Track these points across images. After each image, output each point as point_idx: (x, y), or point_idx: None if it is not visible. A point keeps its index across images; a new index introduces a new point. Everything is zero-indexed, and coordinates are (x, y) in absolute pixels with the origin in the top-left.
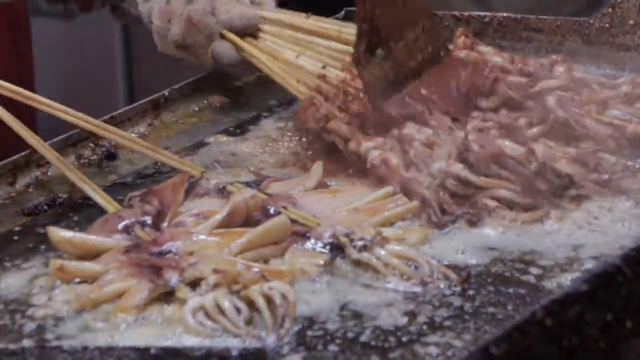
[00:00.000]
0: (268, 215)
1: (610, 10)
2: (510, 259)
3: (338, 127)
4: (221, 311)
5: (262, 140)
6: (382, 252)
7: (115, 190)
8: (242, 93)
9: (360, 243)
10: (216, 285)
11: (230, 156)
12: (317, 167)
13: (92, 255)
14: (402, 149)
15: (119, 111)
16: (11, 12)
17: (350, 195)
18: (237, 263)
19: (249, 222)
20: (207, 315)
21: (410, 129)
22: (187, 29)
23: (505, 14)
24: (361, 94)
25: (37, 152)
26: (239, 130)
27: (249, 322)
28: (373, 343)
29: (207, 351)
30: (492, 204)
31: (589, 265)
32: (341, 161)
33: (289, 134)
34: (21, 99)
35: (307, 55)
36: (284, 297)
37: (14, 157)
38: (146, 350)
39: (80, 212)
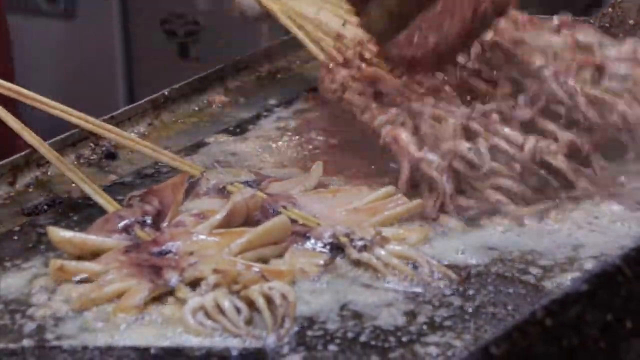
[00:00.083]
0: (268, 215)
1: (610, 10)
2: (511, 258)
3: (352, 97)
4: (221, 311)
5: (262, 140)
6: (382, 252)
7: (115, 190)
8: (241, 93)
9: (360, 243)
10: (216, 285)
11: (230, 156)
12: (317, 167)
13: (92, 255)
14: (414, 124)
15: (119, 111)
16: None
17: (350, 195)
18: (237, 263)
19: (249, 222)
20: (207, 315)
21: (418, 103)
22: None
23: None
24: (375, 59)
25: (37, 152)
26: (239, 130)
27: (249, 322)
28: (373, 343)
29: (207, 351)
30: (497, 197)
31: (589, 265)
32: (341, 161)
33: (289, 133)
34: (21, 99)
35: (328, 10)
36: (284, 297)
37: (14, 157)
38: (146, 350)
39: (80, 212)
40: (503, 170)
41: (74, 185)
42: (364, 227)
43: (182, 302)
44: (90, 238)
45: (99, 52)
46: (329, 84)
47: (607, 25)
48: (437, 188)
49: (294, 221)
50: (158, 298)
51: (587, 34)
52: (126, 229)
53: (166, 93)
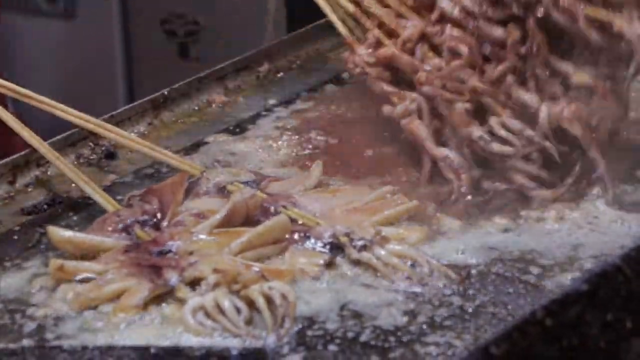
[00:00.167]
0: (268, 215)
1: None
2: (511, 258)
3: (373, 85)
4: (221, 311)
5: (261, 140)
6: (382, 252)
7: (115, 189)
8: (241, 92)
9: (360, 243)
10: (216, 285)
11: (229, 156)
12: (317, 167)
13: (92, 254)
14: (431, 106)
15: (119, 110)
16: None
17: (350, 194)
18: (237, 263)
19: (249, 221)
20: (207, 315)
21: (429, 86)
22: None
23: None
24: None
25: (37, 152)
26: (239, 129)
27: (249, 321)
28: (373, 343)
29: (207, 351)
30: (522, 180)
31: (589, 264)
32: (341, 160)
33: (289, 133)
34: (21, 98)
35: None
36: (284, 297)
37: (13, 157)
38: (146, 349)
39: (80, 211)
40: (518, 152)
41: (73, 185)
42: (364, 226)
43: (182, 301)
44: (90, 238)
45: (98, 52)
46: (353, 67)
47: None
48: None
49: (293, 221)
50: (158, 298)
51: None
52: (126, 229)
53: (166, 93)
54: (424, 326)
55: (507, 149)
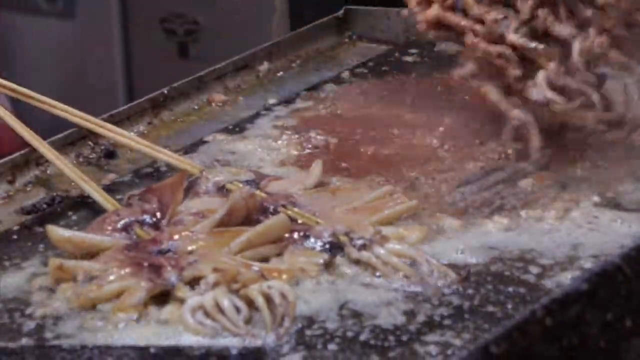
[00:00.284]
0: (267, 214)
1: None
2: (510, 258)
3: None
4: (220, 310)
5: (261, 139)
6: (382, 251)
7: (115, 189)
8: (241, 91)
9: (359, 242)
10: (215, 284)
11: (229, 155)
12: (317, 166)
13: (92, 254)
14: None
15: (118, 110)
16: None
17: (349, 194)
18: (236, 262)
19: (249, 221)
20: (207, 314)
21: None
22: None
23: None
24: None
25: (37, 151)
26: (238, 129)
27: (248, 321)
28: (372, 342)
29: (207, 350)
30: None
31: (589, 264)
32: (341, 160)
33: (289, 132)
34: (21, 97)
35: None
36: (283, 296)
37: (13, 156)
38: (145, 349)
39: (80, 210)
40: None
41: (73, 184)
42: (363, 226)
43: (181, 301)
44: (89, 237)
45: (98, 51)
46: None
47: None
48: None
49: (293, 220)
50: (157, 297)
51: None
52: (125, 228)
53: (165, 92)
54: (424, 325)
55: (568, 106)
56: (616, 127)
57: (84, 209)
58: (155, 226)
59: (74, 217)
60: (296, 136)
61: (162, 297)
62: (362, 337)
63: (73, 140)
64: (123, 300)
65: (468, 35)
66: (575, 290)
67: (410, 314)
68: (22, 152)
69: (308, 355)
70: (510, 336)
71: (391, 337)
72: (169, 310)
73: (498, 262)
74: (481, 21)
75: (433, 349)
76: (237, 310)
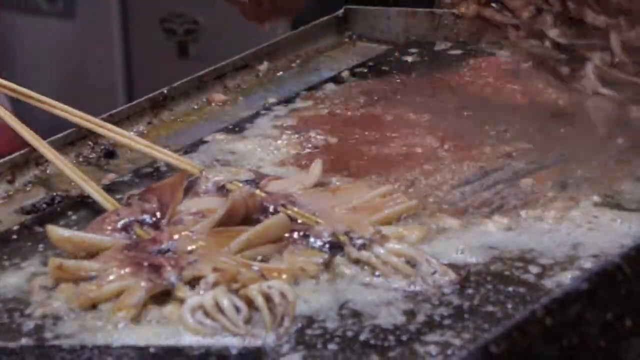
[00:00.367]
0: (267, 214)
1: None
2: (510, 257)
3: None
4: (220, 310)
5: (261, 139)
6: (382, 251)
7: (114, 188)
8: (240, 91)
9: (359, 241)
10: (215, 284)
11: (229, 154)
12: (317, 165)
13: (91, 253)
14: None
15: (118, 109)
16: None
17: (349, 193)
18: (236, 262)
19: (248, 220)
20: (207, 314)
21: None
22: None
23: None
24: None
25: (36, 151)
26: (238, 128)
27: (248, 321)
28: (372, 342)
29: (206, 350)
30: None
31: (589, 263)
32: (341, 159)
33: (288, 132)
34: (21, 97)
35: None
36: (283, 295)
37: (13, 155)
38: (145, 349)
39: (79, 210)
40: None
41: (73, 183)
42: (363, 225)
43: (181, 301)
44: (89, 237)
45: (98, 51)
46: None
47: None
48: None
49: (293, 220)
50: (157, 297)
51: None
52: (125, 228)
53: (165, 92)
54: (423, 325)
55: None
56: None
57: (84, 208)
58: (155, 226)
59: (74, 217)
60: (296, 136)
61: (161, 297)
62: (362, 337)
63: (73, 140)
64: (123, 300)
65: (510, 31)
66: (575, 290)
67: (410, 314)
68: (22, 151)
69: (308, 354)
70: (510, 336)
71: (391, 337)
72: (168, 310)
73: (498, 262)
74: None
75: (433, 349)
76: (237, 310)
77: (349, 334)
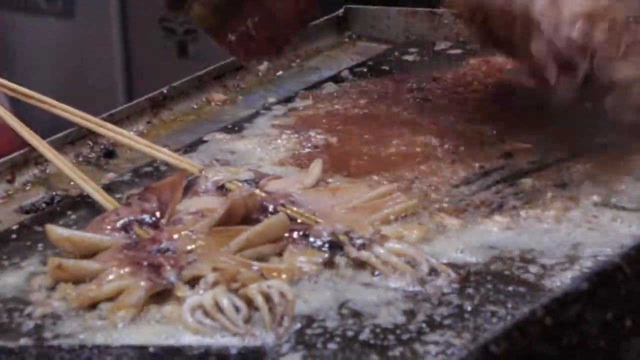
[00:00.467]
0: (267, 213)
1: None
2: (510, 257)
3: None
4: (220, 309)
5: (260, 138)
6: (382, 250)
7: (114, 188)
8: (240, 91)
9: (359, 241)
10: (215, 284)
11: (228, 154)
12: (316, 165)
13: (91, 253)
14: None
15: (118, 109)
16: None
17: (349, 193)
18: (236, 261)
19: (248, 220)
20: (206, 313)
21: None
22: None
23: None
24: None
25: (36, 150)
26: (238, 128)
27: (247, 320)
28: (372, 342)
29: (206, 350)
30: None
31: (589, 263)
32: (340, 159)
33: (288, 131)
34: (20, 97)
35: None
36: (282, 295)
37: (12, 155)
38: (145, 348)
39: (79, 210)
40: None
41: (72, 183)
42: (363, 225)
43: (180, 300)
44: (88, 236)
45: (97, 50)
46: None
47: None
48: None
49: (292, 219)
50: (157, 296)
51: None
52: (125, 227)
53: (165, 91)
54: (423, 325)
55: None
56: None
57: (83, 208)
58: (155, 225)
59: (73, 217)
60: (296, 135)
61: (161, 297)
62: (362, 337)
63: (72, 139)
64: (122, 300)
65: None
66: (575, 289)
67: (410, 314)
68: (22, 151)
69: (308, 354)
70: (510, 336)
71: (391, 337)
72: (168, 309)
73: (498, 262)
74: None
75: (433, 349)
76: (237, 309)
77: (349, 333)
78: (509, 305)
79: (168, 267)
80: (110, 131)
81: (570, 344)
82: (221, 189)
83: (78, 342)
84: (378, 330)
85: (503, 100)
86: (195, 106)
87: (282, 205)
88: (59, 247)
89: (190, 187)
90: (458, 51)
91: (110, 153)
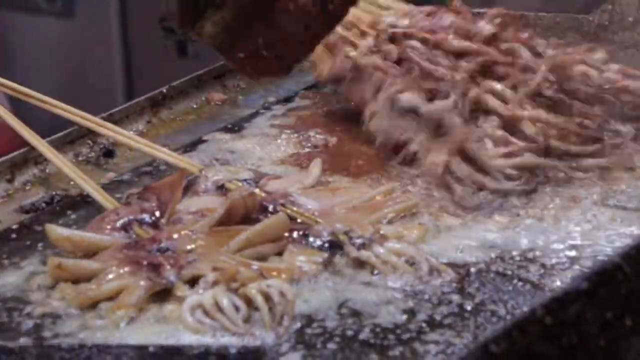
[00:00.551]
0: (267, 213)
1: (609, 7)
2: (510, 257)
3: None
4: (220, 309)
5: (260, 138)
6: (381, 250)
7: (114, 187)
8: (240, 90)
9: (359, 241)
10: (215, 283)
11: (228, 154)
12: (316, 165)
13: (90, 253)
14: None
15: (117, 109)
16: None
17: (349, 192)
18: (235, 261)
19: (248, 219)
20: (206, 313)
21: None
22: None
23: (504, 11)
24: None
25: (36, 150)
26: (237, 127)
27: (247, 320)
28: (372, 341)
29: (206, 349)
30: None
31: (589, 263)
32: (340, 158)
33: (288, 131)
34: (20, 97)
35: None
36: (282, 295)
37: (12, 155)
38: (144, 348)
39: (78, 209)
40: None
41: (72, 183)
42: (363, 225)
43: (180, 300)
44: (88, 236)
45: (97, 50)
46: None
47: (607, 22)
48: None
49: (292, 219)
50: (156, 296)
51: None
52: (124, 227)
53: (164, 91)
54: (423, 324)
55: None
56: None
57: (83, 207)
58: (154, 225)
59: (73, 216)
60: (295, 135)
61: (161, 296)
62: (362, 336)
63: (72, 139)
64: (122, 299)
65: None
66: (575, 289)
67: (410, 313)
68: (21, 151)
69: (307, 354)
70: (510, 335)
71: (391, 336)
72: (168, 309)
73: (498, 261)
74: None
75: (433, 348)
76: (236, 309)
77: (349, 333)
78: (509, 305)
79: (168, 267)
80: (110, 131)
81: (570, 343)
82: (221, 188)
83: (78, 341)
84: (378, 329)
85: None
86: (194, 106)
87: (282, 205)
88: (59, 247)
89: (190, 187)
90: None
91: (109, 152)
